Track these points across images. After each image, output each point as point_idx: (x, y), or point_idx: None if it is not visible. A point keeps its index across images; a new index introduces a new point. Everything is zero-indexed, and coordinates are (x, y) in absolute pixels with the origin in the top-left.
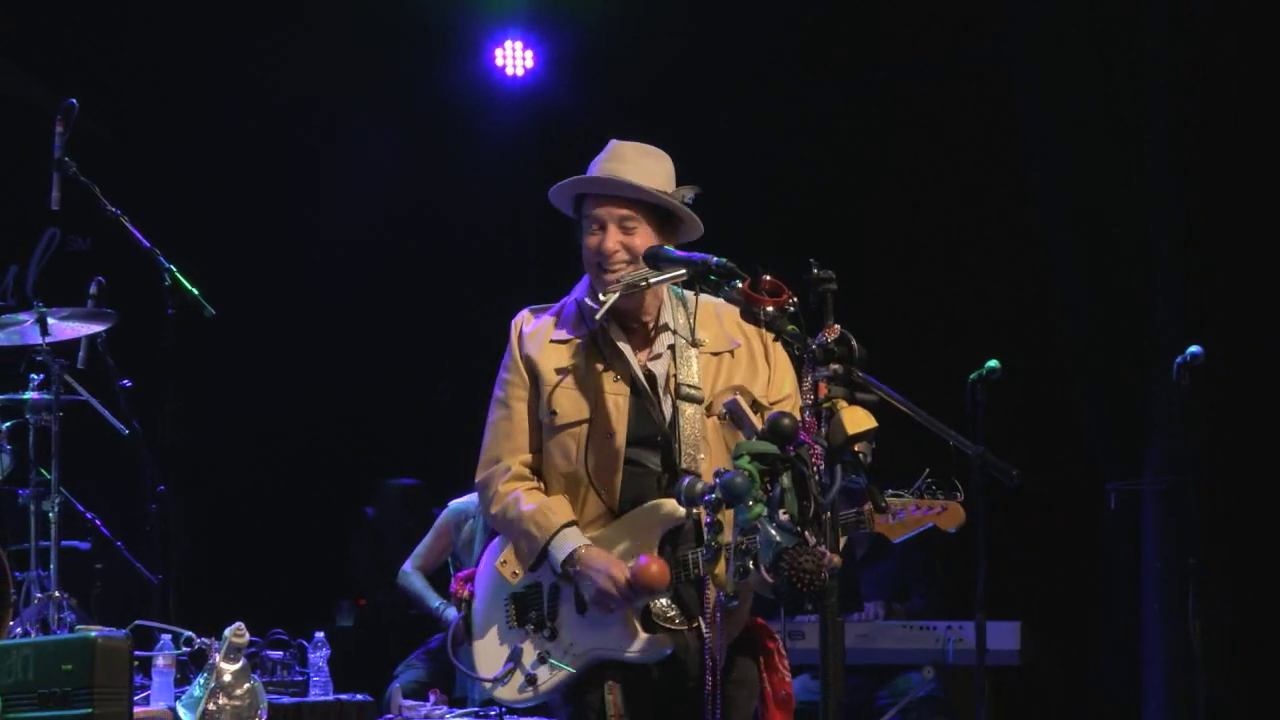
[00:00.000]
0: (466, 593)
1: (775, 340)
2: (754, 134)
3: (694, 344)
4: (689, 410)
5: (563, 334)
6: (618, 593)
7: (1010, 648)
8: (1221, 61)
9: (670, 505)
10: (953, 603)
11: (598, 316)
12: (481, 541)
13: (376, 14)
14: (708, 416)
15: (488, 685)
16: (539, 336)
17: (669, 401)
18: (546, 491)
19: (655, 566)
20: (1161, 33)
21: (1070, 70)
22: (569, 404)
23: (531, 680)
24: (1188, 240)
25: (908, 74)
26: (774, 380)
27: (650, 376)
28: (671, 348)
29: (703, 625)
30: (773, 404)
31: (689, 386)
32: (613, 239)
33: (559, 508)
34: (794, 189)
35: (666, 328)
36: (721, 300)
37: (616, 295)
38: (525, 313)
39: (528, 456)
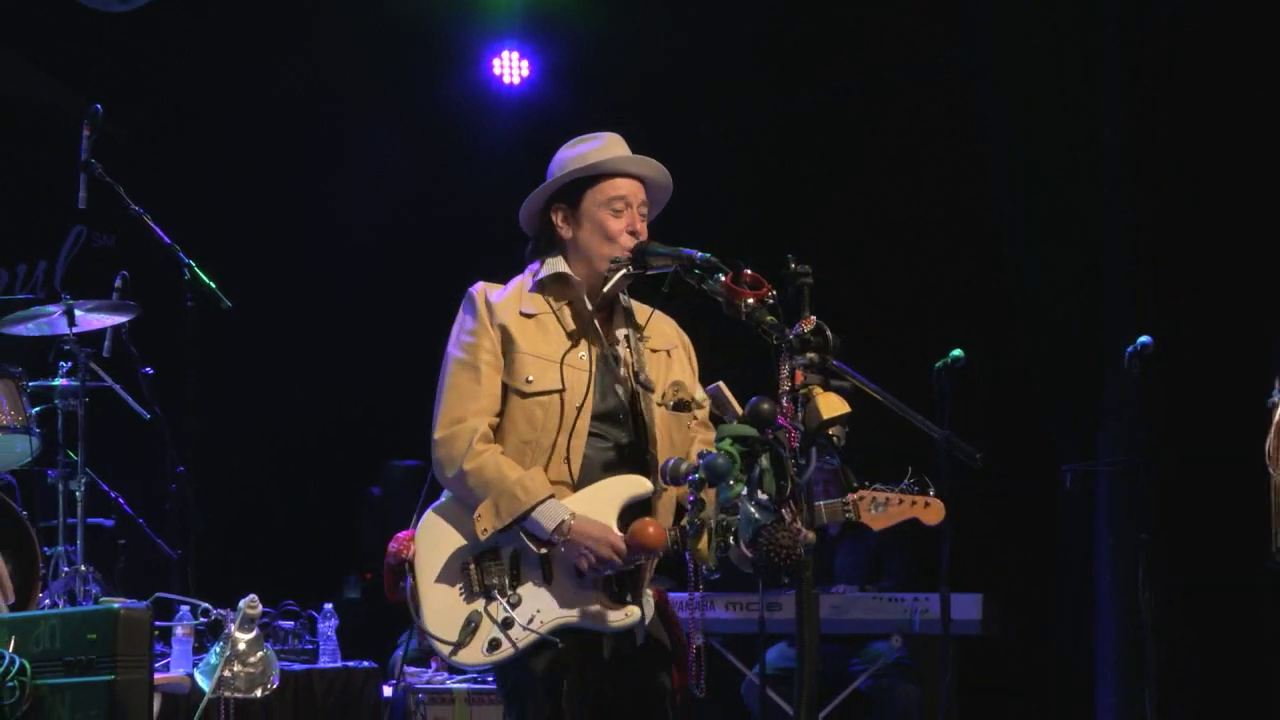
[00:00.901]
0: (411, 552)
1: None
2: (733, 138)
3: (642, 338)
4: (644, 396)
5: (530, 308)
6: (620, 559)
7: (972, 618)
8: (1171, 67)
9: (632, 480)
10: (918, 576)
11: (606, 290)
12: None
13: (382, 25)
14: (658, 405)
15: (446, 649)
16: (509, 308)
17: (629, 383)
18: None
19: (653, 528)
20: (1114, 42)
21: (1028, 77)
22: (542, 374)
23: (495, 645)
24: (1138, 238)
25: (877, 82)
26: (695, 385)
27: (616, 357)
28: (627, 336)
29: (642, 603)
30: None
31: (645, 375)
32: (639, 223)
33: (542, 478)
34: (772, 190)
35: (625, 318)
36: (649, 307)
37: (621, 274)
38: (483, 285)
39: (493, 419)
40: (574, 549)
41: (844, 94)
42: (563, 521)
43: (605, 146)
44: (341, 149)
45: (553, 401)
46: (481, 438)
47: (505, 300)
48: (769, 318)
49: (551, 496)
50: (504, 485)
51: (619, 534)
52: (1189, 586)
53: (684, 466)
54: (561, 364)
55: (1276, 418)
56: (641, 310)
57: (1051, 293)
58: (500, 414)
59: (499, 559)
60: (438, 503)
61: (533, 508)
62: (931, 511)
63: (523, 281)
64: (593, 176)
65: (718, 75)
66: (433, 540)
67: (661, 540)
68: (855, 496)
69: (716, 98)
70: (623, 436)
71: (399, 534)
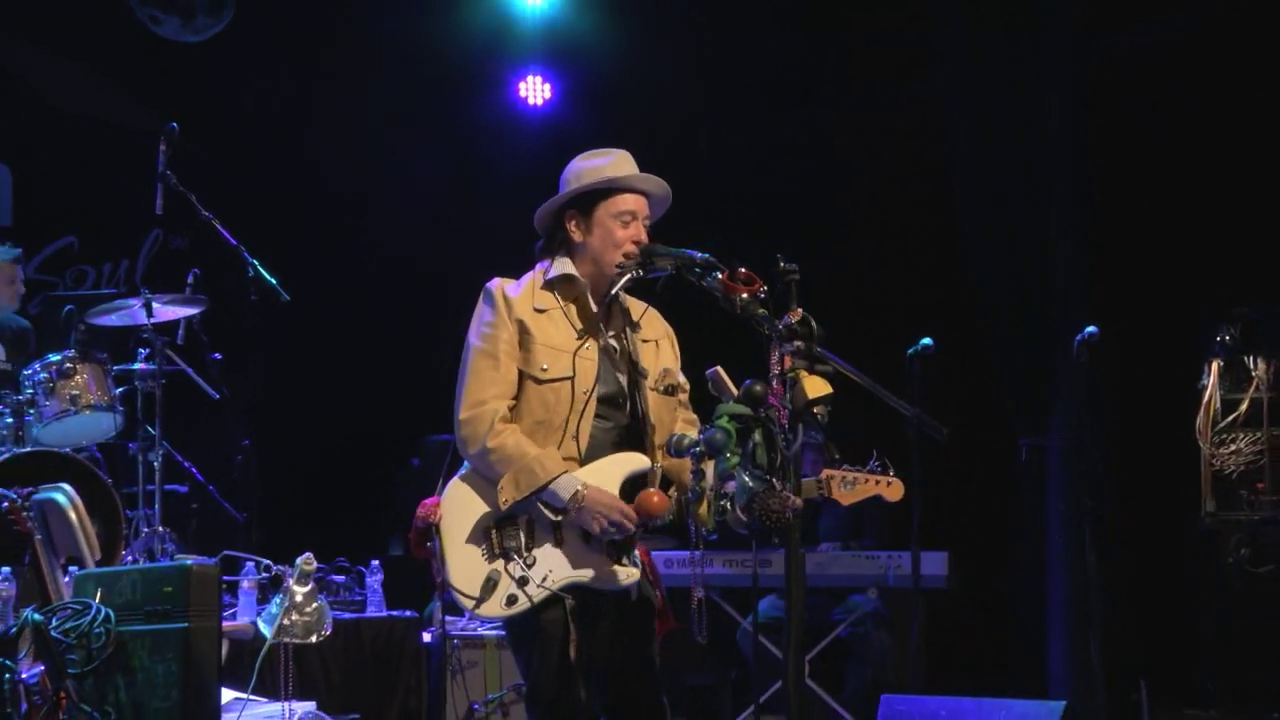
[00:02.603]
0: (438, 516)
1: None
2: (731, 152)
3: (636, 330)
4: (639, 382)
5: (542, 305)
6: (630, 524)
7: (939, 573)
8: (1116, 93)
9: (632, 456)
10: (892, 536)
11: (615, 289)
12: None
13: (422, 54)
14: (650, 390)
15: (469, 603)
16: (525, 303)
17: (627, 371)
18: None
19: (657, 498)
20: (1065, 69)
21: (988, 101)
22: (555, 363)
23: (513, 600)
24: (1085, 243)
25: (859, 106)
26: (678, 370)
27: (615, 348)
28: (624, 329)
29: (630, 563)
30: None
31: (641, 364)
32: (643, 234)
33: (556, 457)
34: (764, 198)
35: (621, 312)
36: (641, 302)
37: (628, 275)
38: (499, 281)
39: (511, 402)
40: (587, 515)
41: (830, 116)
42: (577, 491)
43: (618, 163)
44: (385, 161)
45: (564, 387)
46: (501, 418)
47: (521, 296)
48: (760, 310)
49: (566, 472)
50: (524, 461)
51: (623, 503)
52: (1130, 547)
53: (686, 441)
54: (575, 355)
55: (1205, 399)
56: (635, 305)
57: (1009, 289)
58: (516, 397)
59: (516, 525)
60: (460, 474)
61: (549, 481)
62: (893, 489)
63: (534, 279)
64: (607, 190)
65: (717, 98)
66: (457, 507)
67: (665, 508)
68: (827, 475)
69: (716, 117)
70: (622, 418)
71: (425, 500)
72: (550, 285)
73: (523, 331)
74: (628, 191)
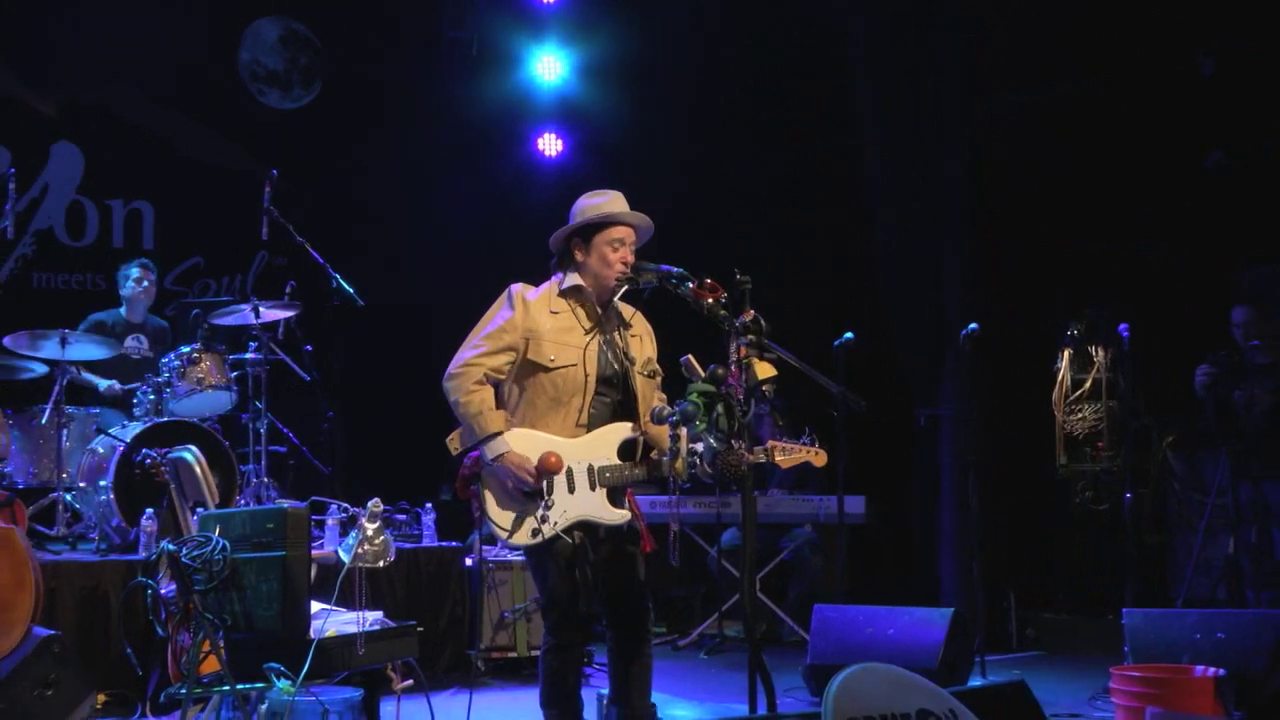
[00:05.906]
0: (479, 466)
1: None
2: (702, 192)
3: (627, 328)
4: (630, 367)
5: (556, 308)
6: (531, 478)
7: (859, 512)
8: (997, 146)
9: (624, 426)
10: (824, 483)
11: (615, 297)
12: None
13: (460, 115)
14: (639, 374)
15: (503, 534)
16: (542, 305)
17: (621, 359)
18: (534, 409)
19: (554, 458)
20: (957, 123)
21: (898, 152)
22: (562, 353)
23: (536, 533)
24: (969, 259)
25: (797, 151)
26: (655, 360)
27: (612, 341)
28: (618, 327)
29: (622, 507)
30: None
31: (631, 354)
32: (630, 256)
33: (500, 423)
34: (726, 223)
35: (615, 314)
36: (630, 306)
37: (625, 286)
38: (521, 286)
39: (492, 375)
40: (500, 471)
41: (780, 162)
42: (500, 455)
43: (612, 201)
44: (432, 199)
45: (570, 372)
46: (477, 382)
47: (538, 300)
48: (722, 311)
49: (499, 434)
50: (473, 420)
51: (533, 462)
52: (1002, 491)
53: (665, 412)
54: (584, 349)
55: (1059, 378)
56: (625, 309)
57: (911, 295)
58: (526, 383)
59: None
60: None
61: (483, 440)
62: (820, 458)
63: (551, 288)
64: (602, 223)
65: (689, 148)
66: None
67: (560, 467)
68: (771, 445)
69: (691, 163)
70: (617, 395)
71: (470, 454)
72: (564, 294)
73: (536, 330)
74: (619, 224)
